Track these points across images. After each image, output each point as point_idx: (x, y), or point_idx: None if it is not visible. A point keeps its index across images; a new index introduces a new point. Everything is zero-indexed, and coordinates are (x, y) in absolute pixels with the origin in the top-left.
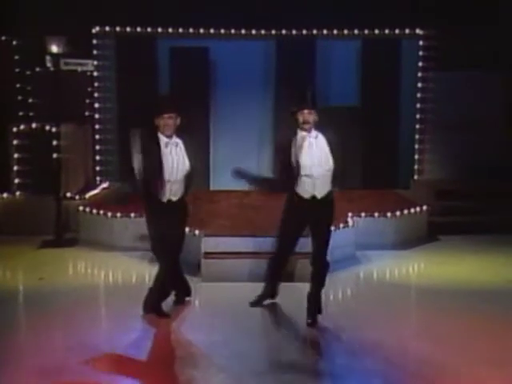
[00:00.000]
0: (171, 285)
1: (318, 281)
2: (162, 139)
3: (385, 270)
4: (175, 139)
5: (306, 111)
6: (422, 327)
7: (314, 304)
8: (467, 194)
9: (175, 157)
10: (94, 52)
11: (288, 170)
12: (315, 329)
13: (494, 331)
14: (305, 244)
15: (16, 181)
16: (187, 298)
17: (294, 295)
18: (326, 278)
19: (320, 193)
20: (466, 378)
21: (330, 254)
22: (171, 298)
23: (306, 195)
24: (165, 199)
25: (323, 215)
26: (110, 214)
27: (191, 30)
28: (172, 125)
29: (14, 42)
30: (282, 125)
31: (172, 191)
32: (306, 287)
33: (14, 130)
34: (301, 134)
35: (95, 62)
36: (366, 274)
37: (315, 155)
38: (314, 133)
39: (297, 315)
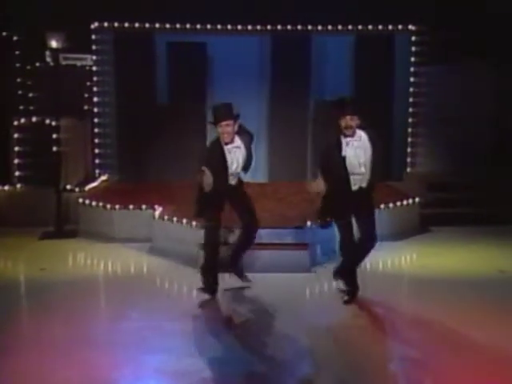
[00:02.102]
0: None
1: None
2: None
3: (378, 261)
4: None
5: (348, 117)
6: (414, 316)
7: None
8: (459, 186)
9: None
10: (93, 47)
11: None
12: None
13: (484, 320)
14: None
15: (17, 173)
16: None
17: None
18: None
19: (364, 184)
20: (455, 365)
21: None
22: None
23: (355, 188)
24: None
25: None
26: (109, 206)
27: (188, 26)
28: (231, 132)
29: (15, 38)
30: (278, 118)
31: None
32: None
33: (15, 123)
34: (345, 140)
35: (94, 57)
36: (360, 265)
37: (361, 155)
38: (357, 135)
39: (294, 304)
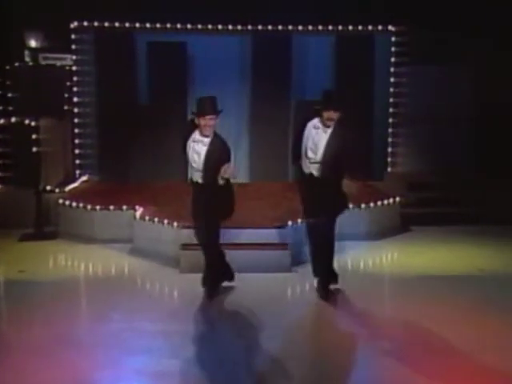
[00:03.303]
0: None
1: None
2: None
3: (359, 260)
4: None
5: (331, 111)
6: (394, 314)
7: None
8: (439, 185)
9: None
10: (73, 47)
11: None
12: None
13: (464, 318)
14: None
15: None
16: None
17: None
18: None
19: (316, 173)
20: (427, 365)
21: (305, 244)
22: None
23: (307, 170)
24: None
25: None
26: (89, 207)
27: (169, 25)
28: (212, 126)
29: None
30: (259, 117)
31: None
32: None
33: None
34: (316, 122)
35: (74, 57)
36: (341, 264)
37: (318, 143)
38: (331, 128)
39: (273, 304)
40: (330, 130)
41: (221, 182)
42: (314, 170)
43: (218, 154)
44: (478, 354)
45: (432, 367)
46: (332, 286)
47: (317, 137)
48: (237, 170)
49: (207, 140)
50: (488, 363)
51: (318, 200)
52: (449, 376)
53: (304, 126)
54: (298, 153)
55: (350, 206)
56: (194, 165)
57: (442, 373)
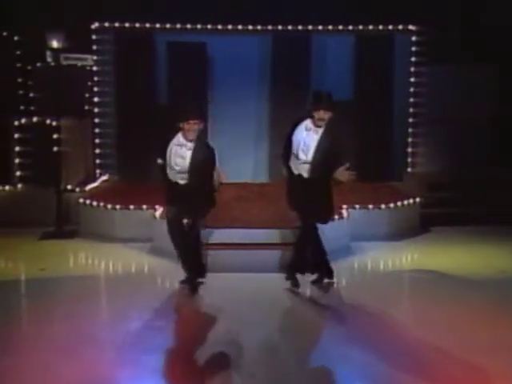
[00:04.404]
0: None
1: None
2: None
3: (378, 261)
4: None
5: (321, 111)
6: (414, 315)
7: None
8: (459, 186)
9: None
10: (94, 47)
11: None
12: (314, 319)
13: (485, 320)
14: None
15: (17, 173)
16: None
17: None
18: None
19: (305, 174)
20: (454, 365)
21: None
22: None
23: (296, 171)
24: None
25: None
26: (109, 206)
27: (189, 26)
28: (196, 130)
29: (16, 38)
30: (278, 118)
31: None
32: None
33: (16, 123)
34: (308, 123)
35: (94, 57)
36: (360, 265)
37: (309, 143)
38: (322, 128)
39: (298, 306)
40: (321, 131)
41: (217, 188)
42: (303, 170)
43: (203, 157)
44: (494, 356)
45: (447, 368)
46: (326, 281)
47: (308, 138)
48: (227, 172)
49: (191, 144)
50: (504, 364)
51: (305, 203)
52: (466, 377)
53: (294, 127)
54: (287, 154)
55: (370, 206)
56: (176, 168)
57: (459, 374)
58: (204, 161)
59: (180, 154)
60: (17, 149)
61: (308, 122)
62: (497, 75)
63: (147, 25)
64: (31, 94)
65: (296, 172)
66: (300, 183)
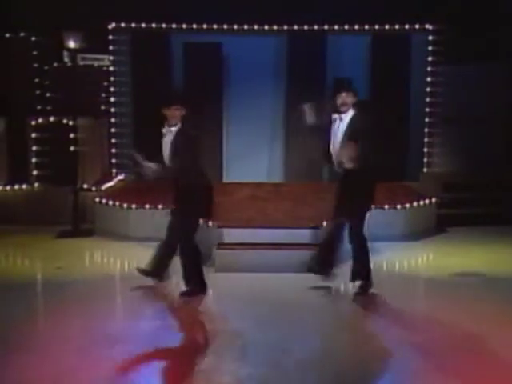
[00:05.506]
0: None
1: None
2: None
3: (394, 261)
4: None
5: (343, 93)
6: (430, 315)
7: None
8: (475, 186)
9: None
10: (110, 47)
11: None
12: (325, 318)
13: (503, 320)
14: None
15: (34, 172)
16: None
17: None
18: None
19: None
20: (470, 365)
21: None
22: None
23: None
24: None
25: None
26: (125, 206)
27: (205, 26)
28: (178, 116)
29: (33, 38)
30: (293, 118)
31: None
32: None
33: (33, 123)
34: (334, 116)
35: (111, 57)
36: (376, 265)
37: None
38: (347, 114)
39: (309, 304)
40: (347, 118)
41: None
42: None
43: (180, 141)
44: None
45: (467, 367)
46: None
47: (335, 129)
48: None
49: (174, 129)
50: None
51: (345, 198)
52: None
53: (329, 124)
54: (326, 152)
55: (386, 206)
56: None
57: (476, 373)
58: (180, 144)
59: (166, 141)
60: (34, 148)
61: (333, 116)
62: None
63: (163, 25)
64: (48, 94)
65: (335, 169)
66: (341, 178)
